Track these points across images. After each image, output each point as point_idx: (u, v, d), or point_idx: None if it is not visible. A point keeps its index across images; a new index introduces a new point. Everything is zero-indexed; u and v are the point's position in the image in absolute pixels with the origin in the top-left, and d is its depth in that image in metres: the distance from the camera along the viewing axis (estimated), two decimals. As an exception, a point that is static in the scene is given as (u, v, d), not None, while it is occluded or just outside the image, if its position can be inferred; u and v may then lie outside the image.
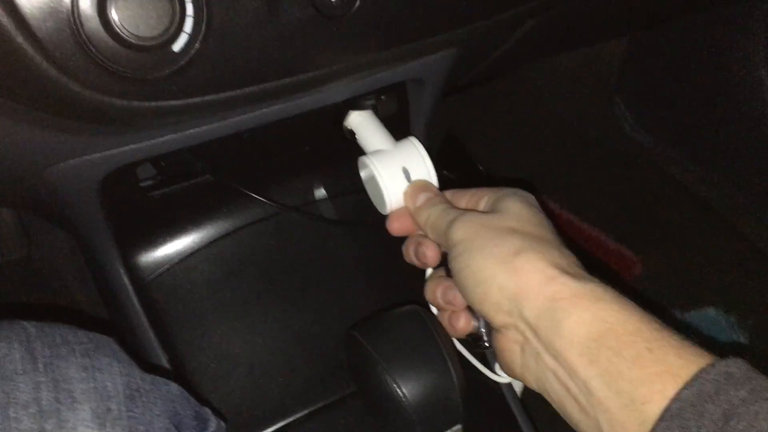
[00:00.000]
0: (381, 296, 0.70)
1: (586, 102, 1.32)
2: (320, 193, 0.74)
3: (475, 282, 0.47)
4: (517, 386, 0.73)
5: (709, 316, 1.09)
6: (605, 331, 0.42)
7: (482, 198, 0.54)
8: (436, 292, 0.56)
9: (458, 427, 0.58)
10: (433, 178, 0.59)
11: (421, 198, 0.56)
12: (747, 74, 1.05)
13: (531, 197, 0.53)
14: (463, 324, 0.55)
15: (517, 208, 0.51)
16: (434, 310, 0.60)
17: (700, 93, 1.14)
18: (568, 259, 0.47)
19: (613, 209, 1.25)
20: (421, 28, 0.52)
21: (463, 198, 0.56)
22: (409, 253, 0.58)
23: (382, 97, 0.64)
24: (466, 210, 0.53)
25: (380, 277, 0.72)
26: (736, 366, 0.38)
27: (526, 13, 0.59)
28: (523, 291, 0.45)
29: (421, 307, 0.60)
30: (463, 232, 0.49)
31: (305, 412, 0.66)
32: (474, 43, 0.61)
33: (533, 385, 0.47)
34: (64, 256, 1.00)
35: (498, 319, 0.47)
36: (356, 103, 0.64)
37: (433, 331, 0.57)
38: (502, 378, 0.58)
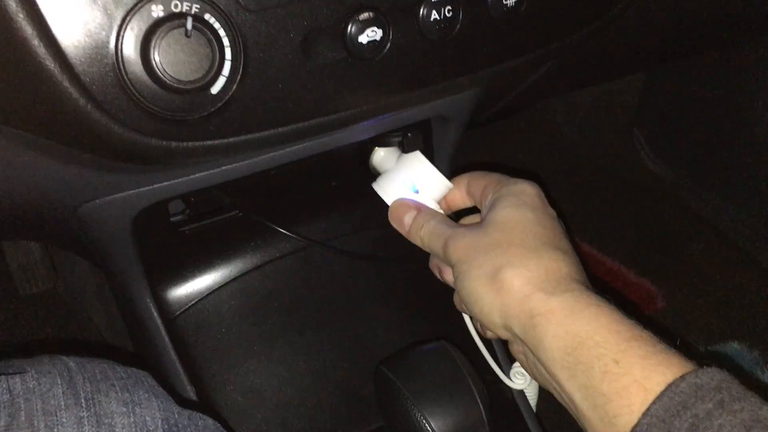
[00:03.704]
0: (407, 331, 0.70)
1: (605, 135, 1.32)
2: (345, 228, 0.74)
3: (471, 302, 0.49)
4: (532, 399, 0.73)
5: (732, 351, 1.08)
6: (577, 345, 0.43)
7: (487, 196, 0.55)
8: (461, 305, 0.57)
9: (487, 462, 0.58)
10: (439, 185, 0.59)
11: (407, 221, 0.57)
12: (766, 108, 1.05)
13: (528, 194, 0.53)
14: (491, 332, 0.56)
15: (505, 215, 0.51)
16: (468, 322, 0.61)
17: (719, 125, 1.14)
18: (546, 270, 0.47)
19: (633, 242, 1.25)
20: (447, 71, 0.54)
21: (478, 188, 0.57)
22: (434, 270, 0.59)
23: (409, 134, 0.65)
24: (455, 227, 0.54)
25: (406, 312, 0.72)
26: (707, 377, 0.39)
27: (547, 55, 0.60)
28: (507, 309, 0.47)
29: (449, 343, 0.60)
30: (456, 254, 0.51)
31: (332, 446, 0.66)
32: (496, 82, 0.62)
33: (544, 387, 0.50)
34: (89, 290, 1.02)
35: (499, 333, 0.49)
36: (383, 140, 0.65)
37: (461, 367, 0.57)
38: (515, 384, 0.59)
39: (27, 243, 1.00)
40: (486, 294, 0.48)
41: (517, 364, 0.59)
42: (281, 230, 0.68)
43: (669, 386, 0.38)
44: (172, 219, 0.66)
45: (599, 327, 0.43)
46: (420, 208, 0.57)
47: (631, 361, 0.41)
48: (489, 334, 0.56)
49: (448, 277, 0.56)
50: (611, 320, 0.43)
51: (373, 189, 0.62)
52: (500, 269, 0.47)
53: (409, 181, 0.59)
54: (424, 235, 0.55)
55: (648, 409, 0.38)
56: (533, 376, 0.51)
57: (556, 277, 0.47)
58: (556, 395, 0.47)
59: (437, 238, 0.53)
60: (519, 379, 0.59)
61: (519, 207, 0.51)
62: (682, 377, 0.39)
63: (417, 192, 0.59)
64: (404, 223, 0.57)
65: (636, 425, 0.38)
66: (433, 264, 0.59)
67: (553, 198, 0.55)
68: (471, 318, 0.60)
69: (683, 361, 0.40)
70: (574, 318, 0.44)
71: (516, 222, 0.50)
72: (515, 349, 0.51)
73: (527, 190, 0.53)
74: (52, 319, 1.04)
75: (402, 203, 0.58)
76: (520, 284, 0.46)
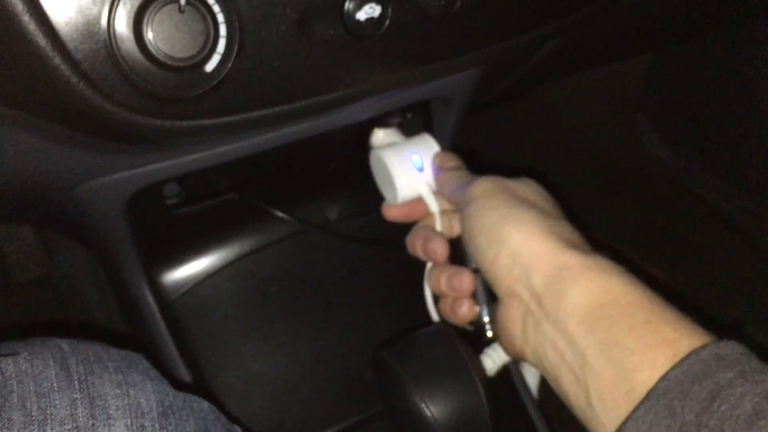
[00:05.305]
0: (406, 315, 0.69)
1: (609, 119, 1.31)
2: (343, 212, 0.74)
3: (488, 241, 0.48)
4: (534, 385, 0.72)
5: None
6: (608, 301, 0.42)
7: None
8: (440, 279, 0.56)
9: (487, 447, 0.57)
10: None
11: (449, 164, 0.59)
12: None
13: (533, 184, 0.54)
14: (466, 310, 0.55)
15: (532, 186, 0.52)
16: (430, 303, 0.60)
17: (725, 109, 1.13)
18: (578, 237, 0.48)
19: (636, 227, 1.24)
20: (448, 49, 0.53)
21: None
22: (415, 246, 0.59)
23: (408, 115, 0.64)
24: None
25: (405, 296, 0.71)
26: (728, 348, 0.38)
27: (551, 33, 0.59)
28: (533, 258, 0.46)
29: (449, 327, 0.60)
30: (482, 188, 0.51)
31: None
32: (499, 61, 0.61)
33: (530, 359, 0.47)
34: (84, 274, 1.01)
35: (505, 283, 0.47)
36: (382, 121, 0.64)
37: (461, 350, 0.56)
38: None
39: (20, 228, 1.00)
40: (512, 236, 0.46)
41: (488, 350, 0.57)
42: (279, 213, 0.68)
43: (690, 354, 0.38)
44: (167, 202, 0.65)
45: (635, 289, 0.42)
46: (462, 165, 0.59)
47: (664, 323, 0.40)
48: (462, 315, 0.55)
49: (436, 245, 0.56)
50: (645, 288, 0.43)
51: (371, 174, 0.62)
52: (536, 220, 0.47)
53: (417, 156, 0.59)
54: (453, 174, 0.56)
55: (666, 374, 0.38)
56: (521, 344, 0.47)
57: (589, 247, 0.47)
58: (545, 360, 0.45)
59: (466, 175, 0.55)
60: (488, 364, 0.57)
61: (540, 189, 0.53)
62: (703, 347, 0.38)
63: (421, 171, 0.59)
64: (447, 163, 0.59)
65: (652, 388, 0.38)
66: (415, 236, 0.58)
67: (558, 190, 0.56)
68: (433, 302, 0.60)
69: (707, 334, 0.40)
70: (609, 277, 0.43)
71: (543, 195, 0.52)
72: (512, 308, 0.47)
73: (531, 183, 0.54)
74: (46, 304, 1.03)
75: (455, 156, 0.60)
76: (556, 238, 0.46)
